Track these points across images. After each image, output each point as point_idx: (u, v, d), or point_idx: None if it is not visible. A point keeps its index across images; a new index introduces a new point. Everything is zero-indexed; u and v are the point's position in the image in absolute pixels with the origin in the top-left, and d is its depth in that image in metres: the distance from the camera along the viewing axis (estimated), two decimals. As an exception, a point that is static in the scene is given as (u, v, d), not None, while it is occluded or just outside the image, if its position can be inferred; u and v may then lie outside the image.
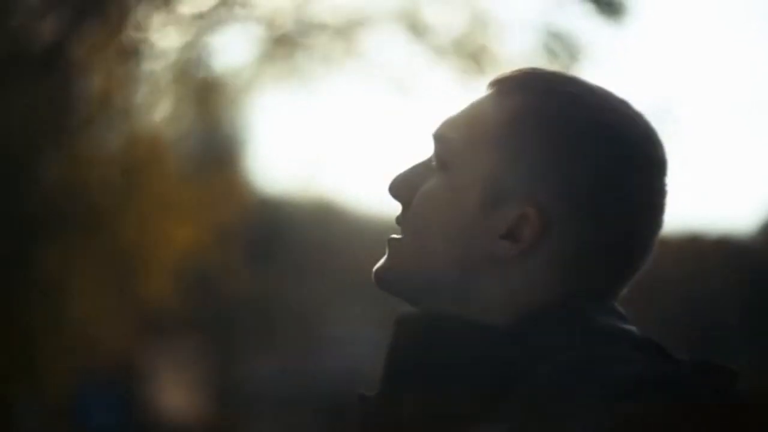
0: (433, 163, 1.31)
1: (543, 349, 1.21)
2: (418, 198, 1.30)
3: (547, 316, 1.24)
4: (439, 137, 1.30)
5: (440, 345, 1.25)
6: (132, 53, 8.64)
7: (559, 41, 8.22)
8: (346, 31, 9.04)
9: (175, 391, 14.89)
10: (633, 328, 1.27)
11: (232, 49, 9.48)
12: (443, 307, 1.27)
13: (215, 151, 12.08)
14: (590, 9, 8.08)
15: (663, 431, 1.14)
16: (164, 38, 8.71)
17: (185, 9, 8.56)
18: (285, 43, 9.13)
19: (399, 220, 1.32)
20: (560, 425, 1.15)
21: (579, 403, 1.15)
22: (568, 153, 1.25)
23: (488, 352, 1.23)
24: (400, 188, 1.32)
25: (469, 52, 8.70)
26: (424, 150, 1.35)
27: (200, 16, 8.59)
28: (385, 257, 1.32)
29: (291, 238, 15.09)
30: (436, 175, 1.29)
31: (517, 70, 1.32)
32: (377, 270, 1.31)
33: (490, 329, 1.24)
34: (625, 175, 1.26)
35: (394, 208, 1.35)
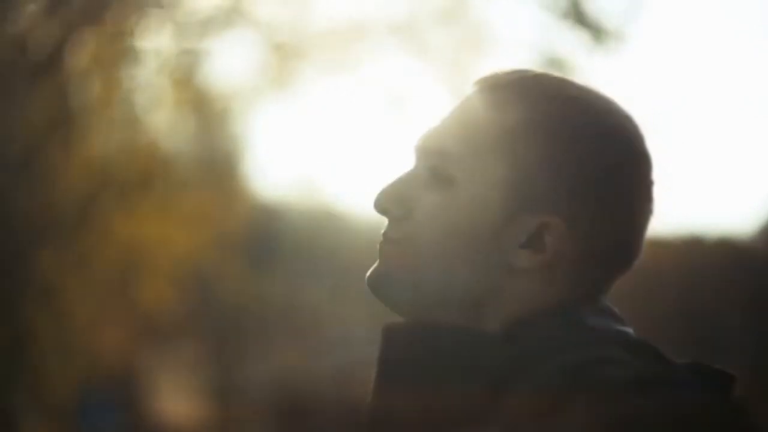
0: (425, 175, 1.28)
1: (537, 352, 1.21)
2: (425, 214, 1.27)
3: (541, 319, 1.24)
4: (437, 151, 1.28)
5: (434, 352, 1.24)
6: (131, 60, 8.65)
7: (553, 65, 8.24)
8: (345, 41, 9.05)
9: (174, 395, 14.89)
10: (628, 329, 1.27)
11: (231, 57, 9.48)
12: (451, 317, 1.26)
13: (214, 158, 12.08)
14: (585, 35, 8.13)
15: None
16: (163, 45, 8.73)
17: (184, 16, 8.57)
18: (284, 51, 9.14)
19: (389, 235, 1.29)
20: (552, 426, 1.14)
21: (572, 405, 1.15)
22: (583, 159, 1.25)
23: (482, 356, 1.22)
24: (389, 203, 1.29)
25: (464, 67, 8.73)
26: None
27: (199, 24, 8.60)
28: (379, 264, 1.29)
29: (290, 244, 15.10)
30: (438, 189, 1.27)
31: (509, 73, 1.30)
32: (374, 277, 1.29)
33: (484, 334, 1.24)
34: (631, 175, 1.27)
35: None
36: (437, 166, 1.28)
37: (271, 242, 14.68)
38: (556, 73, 1.33)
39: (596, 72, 8.81)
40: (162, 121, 9.63)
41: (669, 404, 1.15)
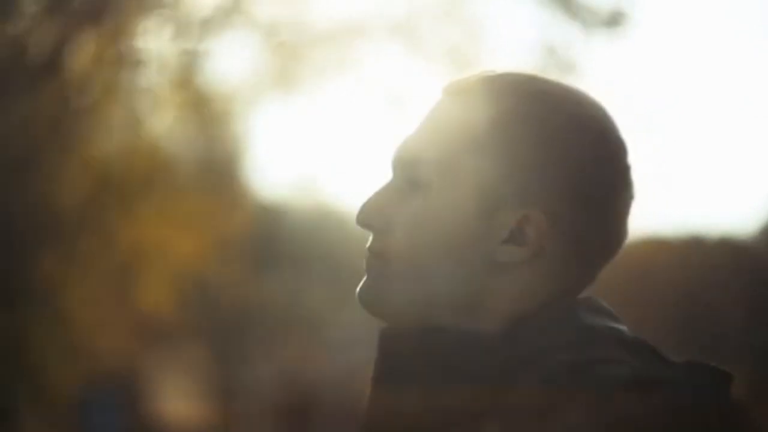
0: (403, 185, 1.29)
1: (534, 351, 1.21)
2: (406, 223, 1.28)
3: (538, 318, 1.24)
4: (413, 161, 1.29)
5: (431, 354, 1.24)
6: (130, 62, 8.65)
7: (553, 57, 8.25)
8: (344, 40, 9.06)
9: (175, 395, 14.89)
10: (624, 327, 1.27)
11: (231, 57, 9.48)
12: (446, 321, 1.26)
13: (215, 159, 12.08)
14: (583, 25, 8.14)
15: None
16: (162, 47, 8.73)
17: (184, 17, 8.57)
18: (284, 51, 9.14)
19: (373, 249, 1.30)
20: (552, 425, 1.15)
21: (571, 404, 1.15)
22: (557, 151, 1.26)
23: (479, 357, 1.23)
24: (370, 217, 1.30)
25: (464, 65, 8.74)
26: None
27: (199, 24, 8.60)
28: (366, 279, 1.30)
29: (291, 245, 15.09)
30: (417, 197, 1.28)
31: (475, 76, 1.31)
32: (363, 292, 1.30)
33: (480, 334, 1.24)
34: (608, 163, 1.28)
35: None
36: (413, 174, 1.29)
37: (273, 243, 14.67)
38: (528, 71, 1.33)
39: (595, 68, 8.83)
40: (162, 122, 9.63)
41: (667, 403, 1.15)
